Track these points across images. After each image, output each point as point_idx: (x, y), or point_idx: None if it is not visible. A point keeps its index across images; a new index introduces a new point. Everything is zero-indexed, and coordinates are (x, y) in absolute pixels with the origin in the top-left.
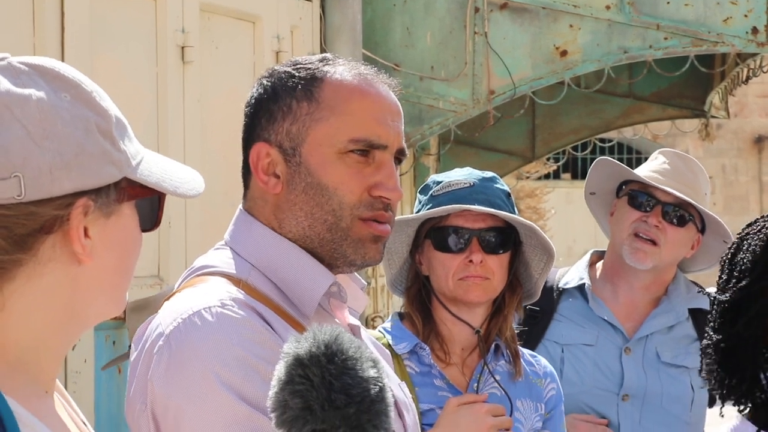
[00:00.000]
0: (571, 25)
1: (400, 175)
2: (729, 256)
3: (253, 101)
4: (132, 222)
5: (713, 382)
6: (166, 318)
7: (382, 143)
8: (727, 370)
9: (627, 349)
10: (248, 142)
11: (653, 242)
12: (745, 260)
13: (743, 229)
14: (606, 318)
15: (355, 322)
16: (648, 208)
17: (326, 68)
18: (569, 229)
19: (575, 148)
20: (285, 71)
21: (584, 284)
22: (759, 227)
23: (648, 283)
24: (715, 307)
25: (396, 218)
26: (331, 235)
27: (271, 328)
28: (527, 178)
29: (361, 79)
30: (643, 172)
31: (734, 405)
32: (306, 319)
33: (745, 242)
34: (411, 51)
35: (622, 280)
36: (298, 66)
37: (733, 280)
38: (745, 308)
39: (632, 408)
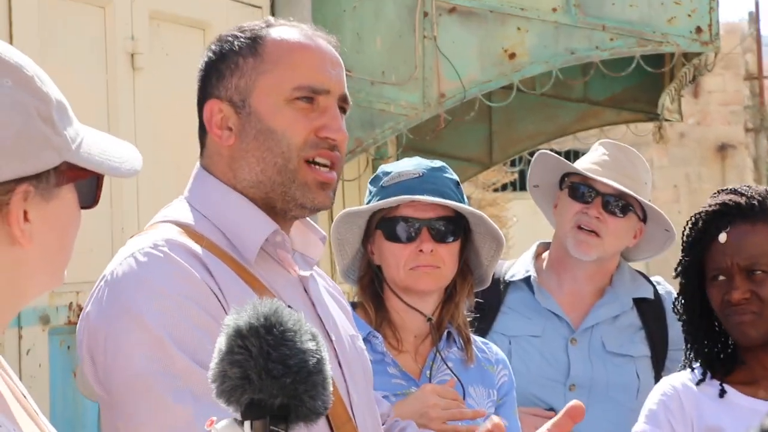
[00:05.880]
0: (518, 28)
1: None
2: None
3: (203, 65)
4: (72, 203)
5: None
6: (109, 265)
7: (325, 88)
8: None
9: (573, 340)
10: (201, 102)
11: (595, 233)
12: None
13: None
14: (552, 309)
15: (306, 273)
16: (589, 200)
17: (269, 28)
18: (534, 239)
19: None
20: (231, 34)
21: (530, 276)
22: None
23: (592, 274)
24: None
25: (347, 210)
26: (281, 178)
27: (209, 270)
28: (493, 188)
29: (301, 34)
30: (584, 164)
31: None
32: (250, 265)
33: None
34: (361, 56)
35: (566, 271)
36: (243, 29)
37: None
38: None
39: (579, 397)
